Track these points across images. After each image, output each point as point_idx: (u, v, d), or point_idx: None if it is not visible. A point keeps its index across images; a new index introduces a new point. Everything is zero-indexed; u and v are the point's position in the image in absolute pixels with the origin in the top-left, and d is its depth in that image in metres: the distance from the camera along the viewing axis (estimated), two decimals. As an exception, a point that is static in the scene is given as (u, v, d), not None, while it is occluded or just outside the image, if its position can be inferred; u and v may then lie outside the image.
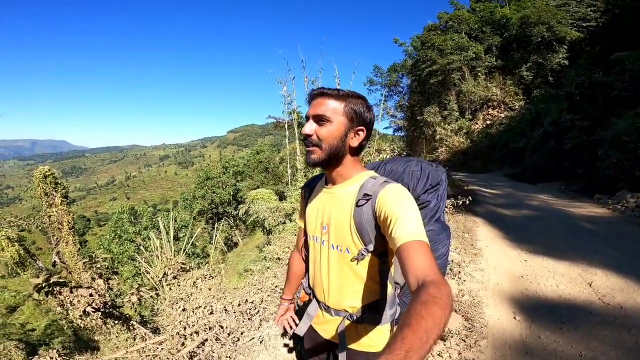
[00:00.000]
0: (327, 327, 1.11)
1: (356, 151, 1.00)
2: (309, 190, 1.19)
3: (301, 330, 1.17)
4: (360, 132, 0.97)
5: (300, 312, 1.29)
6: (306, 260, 1.31)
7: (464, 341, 2.32)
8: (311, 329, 1.18)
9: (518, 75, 20.43)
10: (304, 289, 1.25)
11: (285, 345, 2.68)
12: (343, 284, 1.02)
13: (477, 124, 21.18)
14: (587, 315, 2.55)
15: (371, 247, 0.94)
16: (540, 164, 11.62)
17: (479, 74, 21.21)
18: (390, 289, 1.02)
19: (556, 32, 18.30)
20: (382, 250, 0.96)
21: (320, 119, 0.94)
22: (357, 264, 0.98)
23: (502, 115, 20.43)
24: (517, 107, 19.88)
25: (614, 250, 3.88)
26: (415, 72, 24.76)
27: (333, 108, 0.94)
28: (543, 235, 4.84)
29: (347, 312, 1.04)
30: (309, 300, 1.21)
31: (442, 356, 2.20)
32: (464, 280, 3.34)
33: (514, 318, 2.63)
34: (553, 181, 10.33)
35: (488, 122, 20.82)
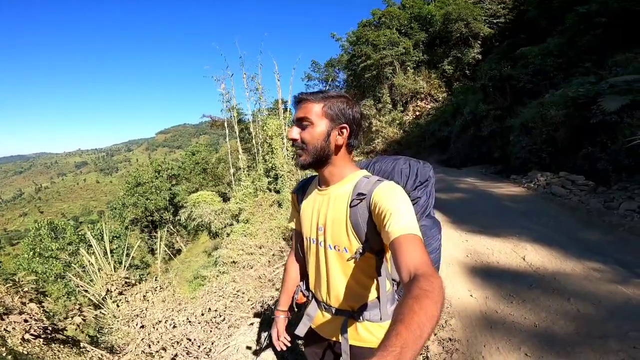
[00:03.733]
0: (328, 327, 1.14)
1: (346, 150, 1.03)
2: (302, 193, 1.20)
3: (301, 331, 1.19)
4: (343, 130, 0.99)
5: (298, 313, 1.33)
6: (301, 262, 1.33)
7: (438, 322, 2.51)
8: (309, 329, 1.20)
9: (441, 69, 22.29)
10: (301, 291, 1.27)
11: (248, 347, 2.64)
12: (343, 283, 1.05)
13: (408, 115, 22.65)
14: (529, 287, 2.89)
15: (368, 245, 0.98)
16: (463, 150, 12.78)
17: (408, 68, 22.64)
18: (388, 285, 1.06)
19: (472, 29, 20.29)
20: (378, 247, 0.99)
21: (302, 122, 0.98)
22: (355, 262, 1.01)
23: (429, 106, 22.16)
24: (441, 98, 21.72)
25: (535, 224, 4.45)
26: (351, 66, 25.56)
27: (313, 110, 0.97)
28: (476, 215, 5.33)
29: (349, 310, 1.07)
30: (307, 301, 1.24)
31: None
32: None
33: (471, 296, 2.91)
34: (475, 165, 11.44)
35: (417, 113, 22.41)
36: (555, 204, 5.46)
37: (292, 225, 1.31)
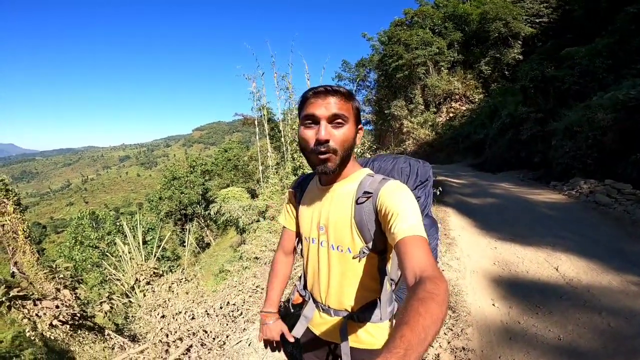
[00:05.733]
0: (326, 328, 1.11)
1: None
2: (300, 191, 1.15)
3: (298, 332, 1.16)
4: (360, 131, 0.96)
5: (294, 314, 1.29)
6: (290, 260, 1.31)
7: (452, 330, 2.43)
8: (308, 330, 1.17)
9: (477, 70, 21.50)
10: (297, 291, 1.23)
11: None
12: (344, 284, 1.02)
13: (441, 116, 22.05)
14: (558, 299, 2.72)
15: (372, 245, 0.94)
16: (500, 154, 12.26)
17: (442, 68, 22.06)
18: (388, 285, 1.02)
19: (512, 28, 19.47)
20: (382, 247, 0.96)
21: (336, 119, 0.88)
22: (359, 261, 0.97)
23: (464, 108, 21.43)
24: (477, 100, 20.93)
25: (573, 234, 4.17)
26: (382, 66, 25.28)
27: (347, 108, 0.89)
28: (508, 222, 5.10)
29: (348, 311, 1.04)
30: (303, 302, 1.20)
31: (433, 346, 2.28)
32: (443, 270, 3.48)
33: (493, 305, 2.77)
34: (512, 170, 10.93)
35: (451, 114, 21.75)
36: (598, 213, 5.08)
37: (285, 223, 1.25)
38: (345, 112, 0.88)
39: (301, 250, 1.17)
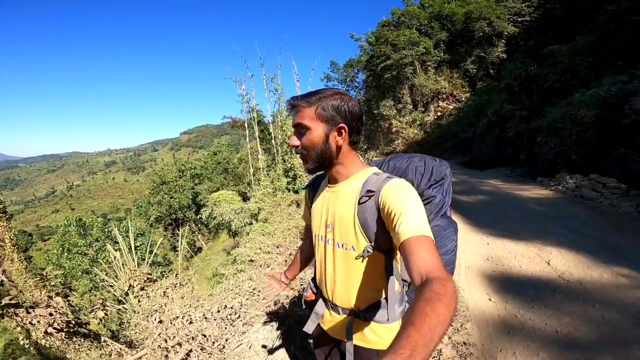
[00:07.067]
0: (334, 326, 1.12)
1: (349, 147, 1.00)
2: (313, 190, 1.20)
3: (309, 328, 1.18)
4: (342, 130, 0.95)
5: (307, 311, 1.30)
6: (308, 256, 1.40)
7: (452, 325, 2.47)
8: (319, 325, 1.19)
9: (463, 69, 21.84)
10: (310, 288, 1.25)
11: (264, 346, 2.67)
12: (349, 282, 1.03)
13: (429, 115, 22.31)
14: (552, 293, 2.79)
15: (376, 244, 0.95)
16: (487, 152, 12.44)
17: (429, 68, 22.34)
18: (397, 286, 1.03)
19: (495, 27, 19.86)
20: (387, 246, 0.96)
21: (299, 128, 0.98)
22: (363, 261, 0.98)
23: (451, 106, 21.74)
24: (463, 98, 21.26)
25: (562, 229, 4.27)
26: (370, 67, 25.48)
27: (307, 115, 0.95)
28: (499, 218, 5.18)
29: (354, 310, 1.05)
30: (316, 299, 1.22)
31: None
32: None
33: (490, 299, 2.84)
34: (500, 167, 11.09)
35: (439, 113, 22.03)
36: (585, 207, 5.22)
37: (305, 221, 1.35)
38: (306, 120, 0.95)
39: (313, 247, 1.20)
